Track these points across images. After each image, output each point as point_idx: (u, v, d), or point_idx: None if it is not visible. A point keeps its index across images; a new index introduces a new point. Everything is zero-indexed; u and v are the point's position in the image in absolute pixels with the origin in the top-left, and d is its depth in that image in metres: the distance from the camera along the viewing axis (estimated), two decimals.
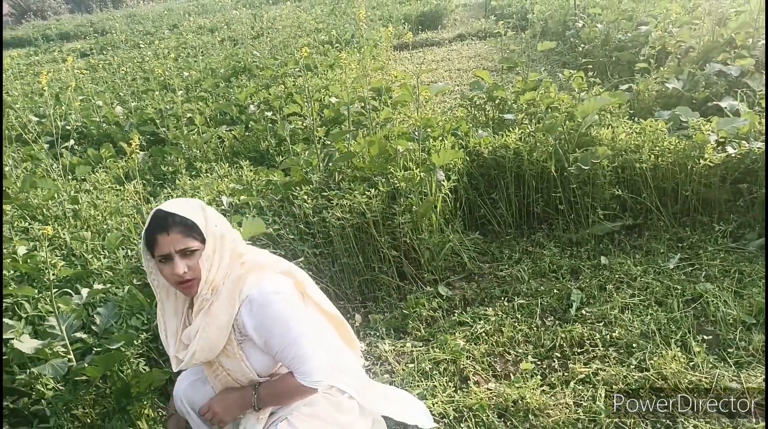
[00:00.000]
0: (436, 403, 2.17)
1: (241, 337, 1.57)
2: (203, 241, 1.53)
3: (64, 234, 3.00)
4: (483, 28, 9.89)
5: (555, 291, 2.75)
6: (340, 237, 2.98)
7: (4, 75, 10.33)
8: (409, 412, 1.94)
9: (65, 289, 2.38)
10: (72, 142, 5.00)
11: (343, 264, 3.00)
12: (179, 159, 4.40)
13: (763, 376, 2.07)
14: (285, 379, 1.60)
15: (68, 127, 5.42)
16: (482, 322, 2.61)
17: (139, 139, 4.37)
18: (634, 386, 2.12)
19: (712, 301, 2.49)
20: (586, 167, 3.09)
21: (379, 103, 4.03)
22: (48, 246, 2.82)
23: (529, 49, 5.84)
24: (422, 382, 2.31)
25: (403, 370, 2.42)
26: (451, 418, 2.11)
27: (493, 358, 2.41)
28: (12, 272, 2.58)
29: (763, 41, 4.43)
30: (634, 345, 2.32)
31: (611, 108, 3.57)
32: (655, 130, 3.19)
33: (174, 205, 1.54)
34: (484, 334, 2.53)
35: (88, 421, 1.86)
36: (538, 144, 3.25)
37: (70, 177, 4.14)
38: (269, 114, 4.95)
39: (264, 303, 1.52)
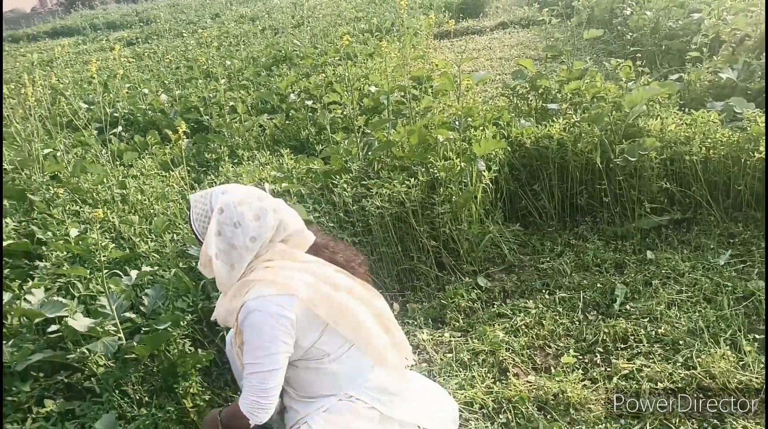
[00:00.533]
0: (475, 393, 2.16)
1: (239, 327, 1.62)
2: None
3: (113, 217, 3.09)
4: (526, 16, 9.70)
5: (598, 285, 2.69)
6: (379, 226, 2.98)
7: (55, 62, 10.67)
8: (434, 420, 1.85)
9: (115, 271, 2.46)
10: (120, 128, 5.13)
11: (382, 253, 3.00)
12: (222, 146, 4.47)
13: None
14: (237, 404, 1.61)
15: (116, 114, 5.58)
16: (522, 314, 2.58)
17: (180, 128, 4.47)
18: (680, 384, 2.07)
19: (765, 299, 2.40)
20: (633, 159, 3.00)
21: (420, 92, 4.01)
22: (98, 229, 2.92)
23: (574, 37, 5.70)
24: (460, 372, 2.31)
25: (441, 359, 2.42)
26: (490, 408, 2.10)
27: (533, 351, 2.38)
28: (65, 253, 2.67)
29: None
30: (681, 342, 2.26)
31: (660, 98, 3.46)
32: (707, 121, 3.08)
33: (195, 202, 1.68)
34: (524, 327, 2.50)
35: (137, 397, 1.92)
36: (583, 134, 3.18)
37: (118, 163, 4.26)
38: (309, 103, 4.98)
39: (249, 316, 1.55)
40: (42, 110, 5.14)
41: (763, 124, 2.90)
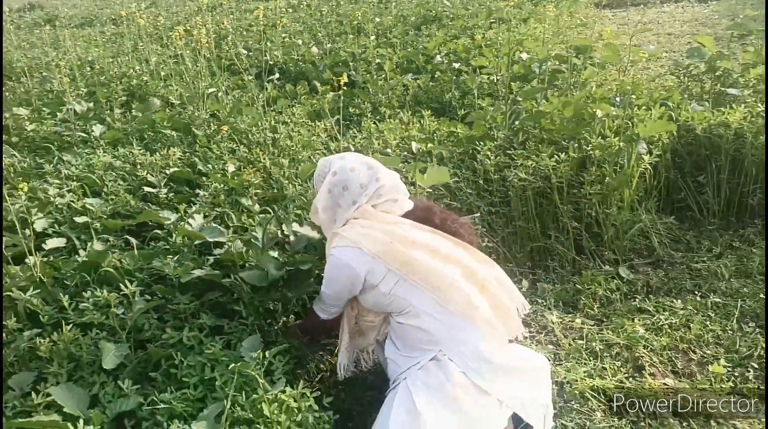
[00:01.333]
0: (605, 385, 2.05)
1: None
2: None
3: (264, 159, 3.28)
4: None
5: (761, 296, 2.41)
6: (519, 199, 2.89)
7: (218, 9, 11.41)
8: (528, 408, 1.70)
9: (265, 208, 2.62)
10: (276, 76, 5.40)
11: (518, 227, 2.92)
12: (366, 102, 4.55)
13: None
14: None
15: (271, 62, 5.87)
16: (667, 313, 2.40)
17: (339, 80, 4.59)
18: None
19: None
20: None
21: (583, 62, 3.76)
22: (251, 168, 3.12)
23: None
24: (590, 361, 2.20)
25: (570, 345, 2.32)
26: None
27: (674, 354, 2.21)
28: (222, 186, 2.89)
29: None
30: None
31: None
32: None
33: (320, 164, 1.96)
34: (667, 327, 2.32)
35: (278, 325, 2.07)
36: None
37: (270, 108, 4.50)
38: (456, 65, 4.89)
39: (328, 259, 1.86)
40: (208, 53, 5.54)
41: None
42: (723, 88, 3.36)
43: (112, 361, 1.70)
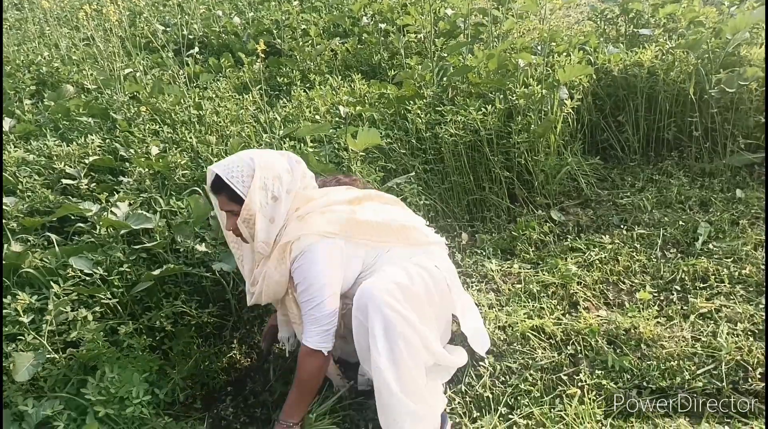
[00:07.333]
0: (544, 323, 2.15)
1: (292, 276, 1.75)
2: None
3: (190, 138, 3.18)
4: None
5: (680, 223, 2.57)
6: (452, 154, 2.93)
7: None
8: (472, 328, 1.98)
9: (194, 188, 2.55)
10: (196, 50, 5.19)
11: (453, 182, 2.97)
12: (294, 70, 4.45)
13: None
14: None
15: (191, 36, 5.63)
16: (597, 249, 2.51)
17: (258, 48, 4.43)
18: (761, 326, 1.98)
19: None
20: (730, 90, 2.77)
21: (502, 14, 3.78)
22: (176, 148, 3.02)
23: None
24: (529, 302, 2.30)
25: (510, 290, 2.41)
26: (557, 339, 2.09)
27: (606, 286, 2.33)
28: (146, 170, 2.79)
29: None
30: None
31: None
32: None
33: (226, 166, 1.69)
34: (597, 262, 2.44)
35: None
36: (676, 63, 2.94)
37: (194, 84, 4.34)
38: (382, 26, 4.83)
39: (298, 260, 1.70)
40: (121, 31, 5.26)
41: None
42: (636, 30, 3.47)
43: (27, 372, 1.59)
